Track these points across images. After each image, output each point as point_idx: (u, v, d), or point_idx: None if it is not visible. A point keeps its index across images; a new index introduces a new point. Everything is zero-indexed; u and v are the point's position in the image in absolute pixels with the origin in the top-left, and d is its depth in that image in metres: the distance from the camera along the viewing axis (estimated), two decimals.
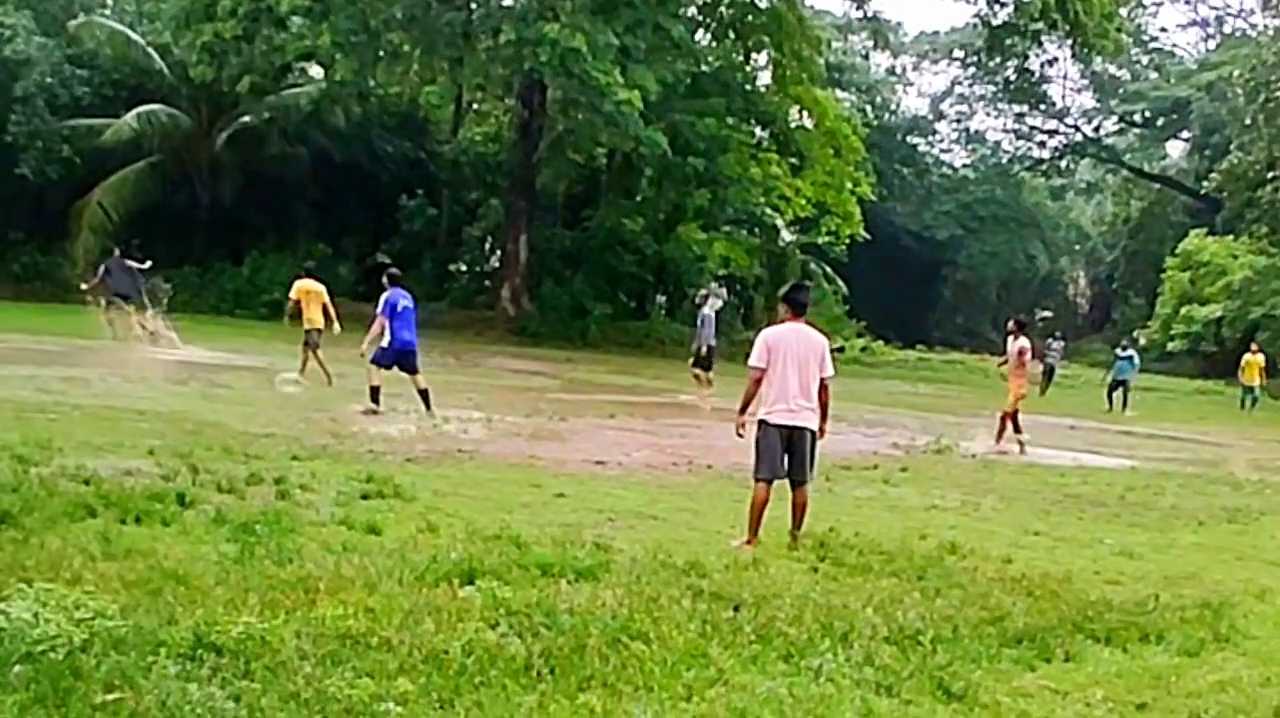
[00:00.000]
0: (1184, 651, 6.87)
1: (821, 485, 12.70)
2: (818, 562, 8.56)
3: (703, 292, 24.89)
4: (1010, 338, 18.79)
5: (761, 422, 8.99)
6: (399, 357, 16.44)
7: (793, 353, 8.96)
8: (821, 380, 9.09)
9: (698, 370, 23.31)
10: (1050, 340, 39.49)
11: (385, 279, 17.03)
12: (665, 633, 6.11)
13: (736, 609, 6.76)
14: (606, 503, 10.38)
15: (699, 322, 23.72)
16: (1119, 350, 31.62)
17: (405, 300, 16.58)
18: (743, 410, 9.28)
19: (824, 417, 9.16)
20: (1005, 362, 19.64)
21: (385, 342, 16.40)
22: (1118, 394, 30.51)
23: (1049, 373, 37.14)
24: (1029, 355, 18.80)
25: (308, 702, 4.82)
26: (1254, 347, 34.91)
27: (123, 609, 5.65)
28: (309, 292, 20.65)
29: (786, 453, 8.99)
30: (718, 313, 24.57)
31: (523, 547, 7.91)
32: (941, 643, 6.49)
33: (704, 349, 23.19)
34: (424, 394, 16.44)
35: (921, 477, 14.28)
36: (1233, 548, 10.68)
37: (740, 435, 9.34)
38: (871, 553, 8.89)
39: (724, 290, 50.38)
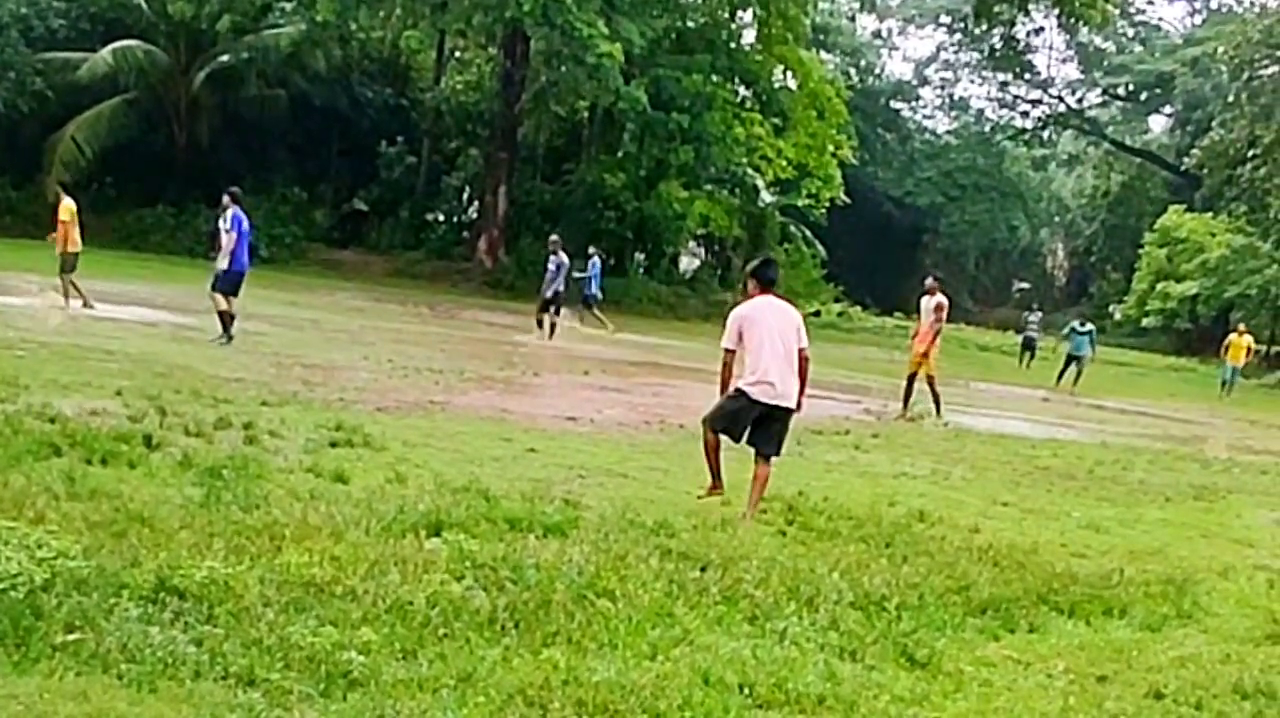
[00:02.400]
0: (1146, 625, 6.92)
1: (792, 449, 12.68)
2: (786, 525, 8.58)
3: (552, 239, 26.33)
4: (926, 296, 18.17)
5: (740, 391, 8.82)
6: (240, 280, 16.44)
7: (769, 327, 8.79)
8: (800, 352, 8.95)
9: (542, 315, 24.53)
10: (1028, 314, 39.12)
11: (228, 197, 16.77)
12: (631, 591, 6.11)
13: (703, 570, 6.76)
14: (577, 459, 10.35)
15: (549, 269, 24.59)
16: (1077, 324, 30.11)
17: (246, 222, 16.70)
18: (722, 392, 9.08)
19: (802, 389, 9.02)
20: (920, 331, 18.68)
21: (225, 264, 16.29)
22: (1071, 370, 29.08)
23: (1028, 346, 36.91)
24: (945, 314, 18.34)
25: (270, 648, 4.80)
26: (1240, 327, 33.52)
27: (86, 550, 5.60)
28: (74, 212, 19.62)
29: (757, 427, 8.82)
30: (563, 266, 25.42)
31: (491, 500, 7.88)
32: (907, 610, 6.52)
33: (550, 294, 24.39)
34: (226, 318, 16.30)
35: (893, 444, 14.32)
36: (1198, 525, 10.75)
37: None
38: (840, 518, 8.90)
39: (701, 250, 50.33)
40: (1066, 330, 30.27)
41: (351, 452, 9.40)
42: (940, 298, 18.16)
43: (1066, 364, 29.29)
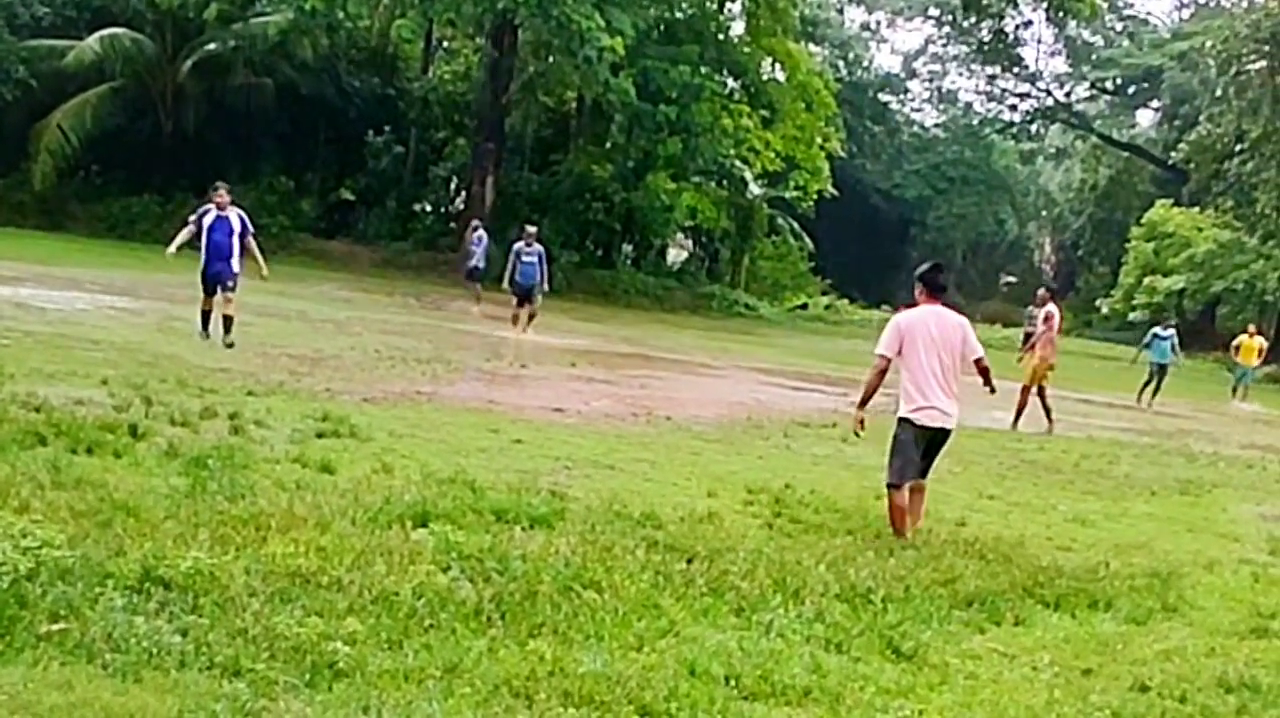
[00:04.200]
0: (1132, 619, 6.94)
1: (779, 442, 12.77)
2: (772, 518, 8.59)
3: (474, 222, 29.13)
4: (1034, 306, 17.60)
5: (906, 420, 8.25)
6: (216, 280, 15.55)
7: (932, 340, 8.19)
8: (977, 362, 8.52)
9: (471, 283, 27.29)
10: (1030, 308, 38.73)
11: (229, 193, 15.99)
12: (618, 583, 6.11)
13: (690, 562, 6.76)
14: (563, 451, 10.34)
15: (473, 244, 27.75)
16: (1159, 329, 26.48)
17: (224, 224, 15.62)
18: (862, 404, 8.61)
19: (987, 380, 8.62)
20: (1032, 344, 18.23)
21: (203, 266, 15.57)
22: (1152, 383, 25.56)
23: (1028, 340, 36.59)
24: (1055, 324, 17.87)
25: (255, 639, 4.79)
26: (1251, 328, 31.00)
27: (70, 539, 5.58)
28: None
29: (924, 451, 8.35)
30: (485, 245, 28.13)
31: (477, 491, 7.87)
32: (893, 603, 6.53)
33: (474, 266, 27.48)
34: (217, 318, 15.56)
35: (880, 437, 14.16)
36: (1184, 519, 10.79)
37: (858, 434, 8.59)
38: (826, 511, 8.93)
39: (689, 242, 50.31)
40: (1148, 337, 26.73)
41: (338, 442, 9.38)
42: (1051, 307, 17.87)
43: (1152, 376, 25.67)
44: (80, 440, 7.99)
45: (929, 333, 8.19)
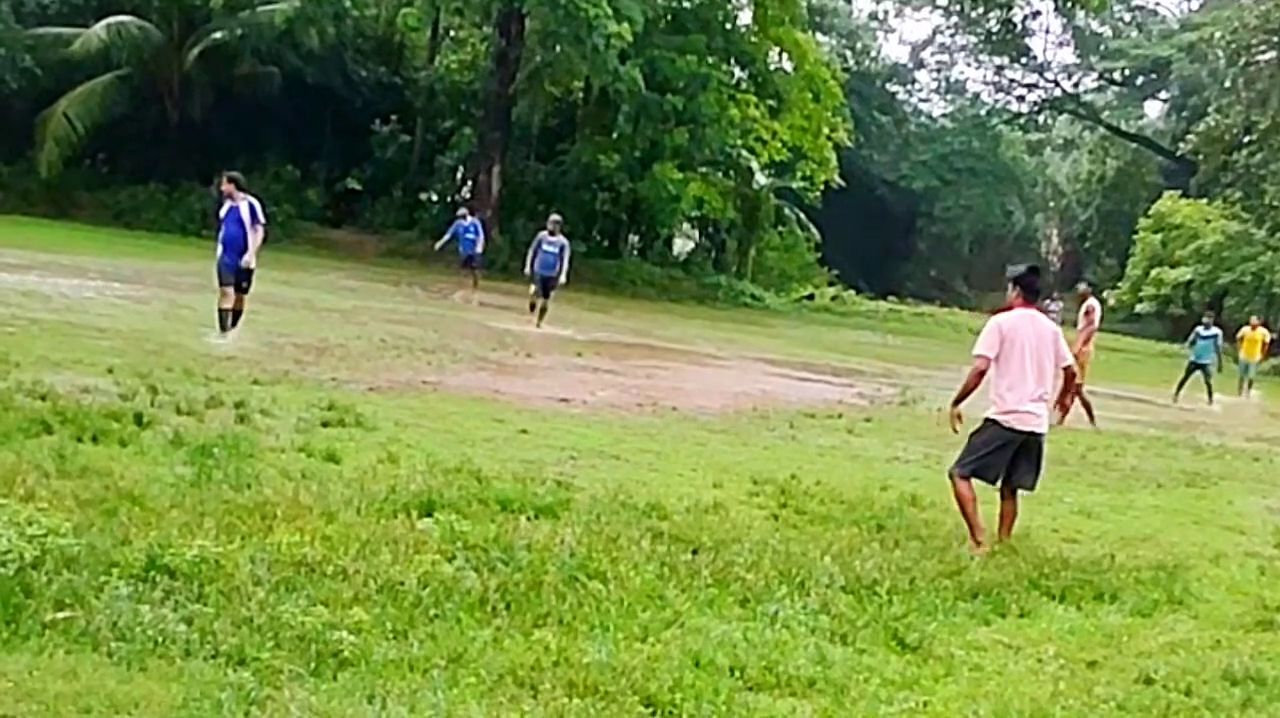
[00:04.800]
0: (1137, 611, 6.93)
1: (785, 433, 12.76)
2: (778, 509, 8.58)
3: (461, 210, 29.22)
4: (1077, 301, 17.25)
5: (994, 422, 8.08)
6: (240, 274, 14.97)
7: (1029, 344, 8.06)
8: (1066, 370, 8.37)
9: (472, 273, 27.29)
10: (1048, 302, 38.02)
11: (232, 183, 15.25)
12: (623, 573, 6.11)
13: (695, 553, 6.76)
14: (569, 441, 10.34)
15: (461, 232, 27.67)
16: (1200, 328, 25.79)
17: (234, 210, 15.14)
18: (958, 402, 8.30)
19: (1074, 399, 8.49)
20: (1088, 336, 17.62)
21: (248, 260, 14.95)
22: (1195, 379, 25.10)
23: None
24: (1095, 318, 17.45)
25: (261, 628, 4.80)
26: (1254, 320, 30.70)
27: (76, 528, 5.59)
28: None
29: (1014, 459, 8.10)
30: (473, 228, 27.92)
31: (483, 481, 7.88)
32: (898, 594, 6.52)
33: (470, 254, 27.40)
34: (232, 315, 14.92)
35: (885, 428, 14.33)
36: (1190, 511, 10.77)
37: (955, 431, 8.42)
38: (832, 502, 8.91)
39: (695, 232, 50.27)
40: (1192, 336, 26.22)
41: (343, 431, 9.39)
42: (1091, 302, 17.49)
43: (1188, 373, 25.31)
44: (86, 429, 8.00)
45: (1027, 337, 8.10)
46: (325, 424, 9.54)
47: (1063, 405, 16.17)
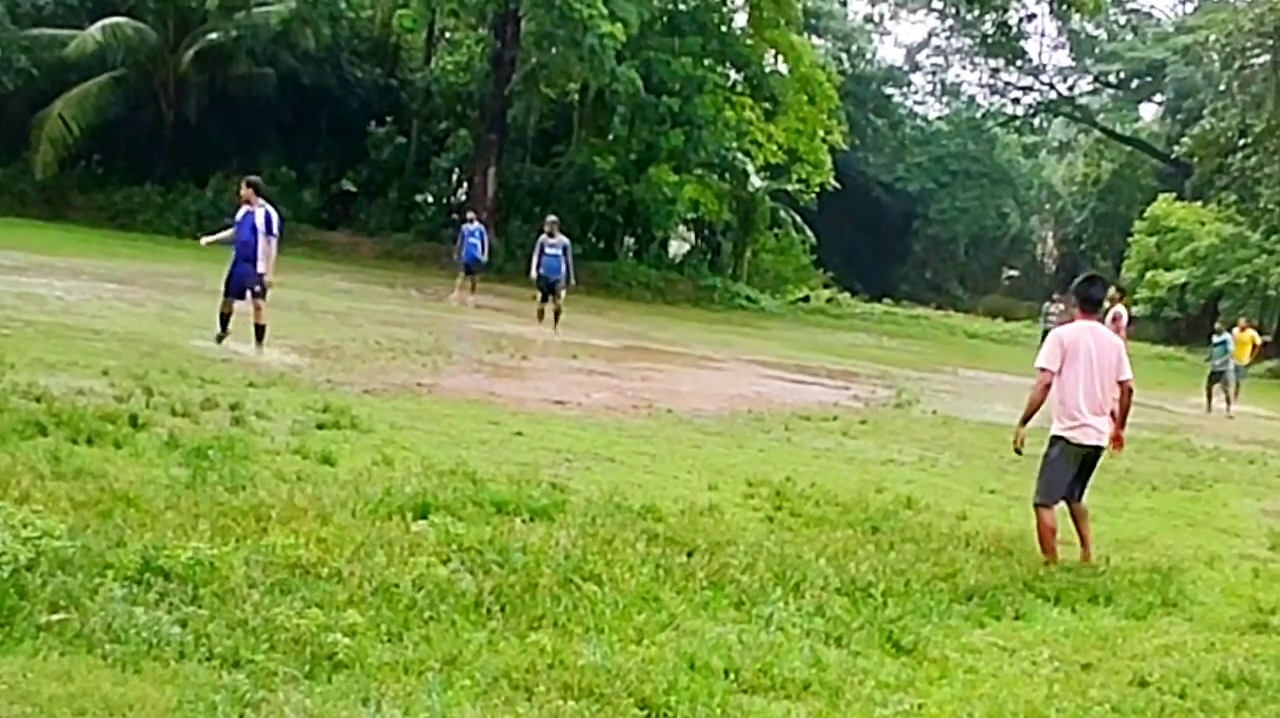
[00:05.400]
0: (1132, 613, 6.94)
1: (780, 435, 12.77)
2: (773, 511, 8.58)
3: (469, 214, 29.42)
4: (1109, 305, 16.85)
5: (1060, 438, 8.00)
6: (253, 281, 14.50)
7: (1091, 358, 7.96)
8: (1123, 383, 8.20)
9: (470, 277, 27.15)
10: (1048, 304, 37.41)
11: (250, 188, 14.75)
12: (618, 576, 6.11)
13: (690, 555, 6.76)
14: (564, 443, 10.35)
15: (465, 235, 27.61)
16: (1214, 335, 25.52)
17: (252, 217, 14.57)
18: (1025, 421, 8.21)
19: (1122, 423, 8.37)
20: None
21: (264, 270, 14.44)
22: (1217, 388, 24.73)
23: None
24: (1123, 325, 16.77)
25: (255, 630, 4.79)
26: (1242, 321, 29.58)
27: (71, 530, 5.58)
28: None
29: (1077, 471, 8.09)
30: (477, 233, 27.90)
31: (478, 483, 7.88)
32: (893, 597, 6.53)
33: (471, 259, 27.12)
34: (225, 319, 14.52)
35: (880, 430, 14.33)
36: (1185, 514, 10.79)
37: (1018, 451, 8.34)
38: (827, 504, 8.92)
39: (691, 234, 50.22)
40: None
41: (338, 434, 9.39)
42: (1118, 309, 17.02)
43: (1210, 382, 24.98)
44: (81, 431, 8.00)
45: (1089, 350, 8.00)
46: (320, 426, 9.54)
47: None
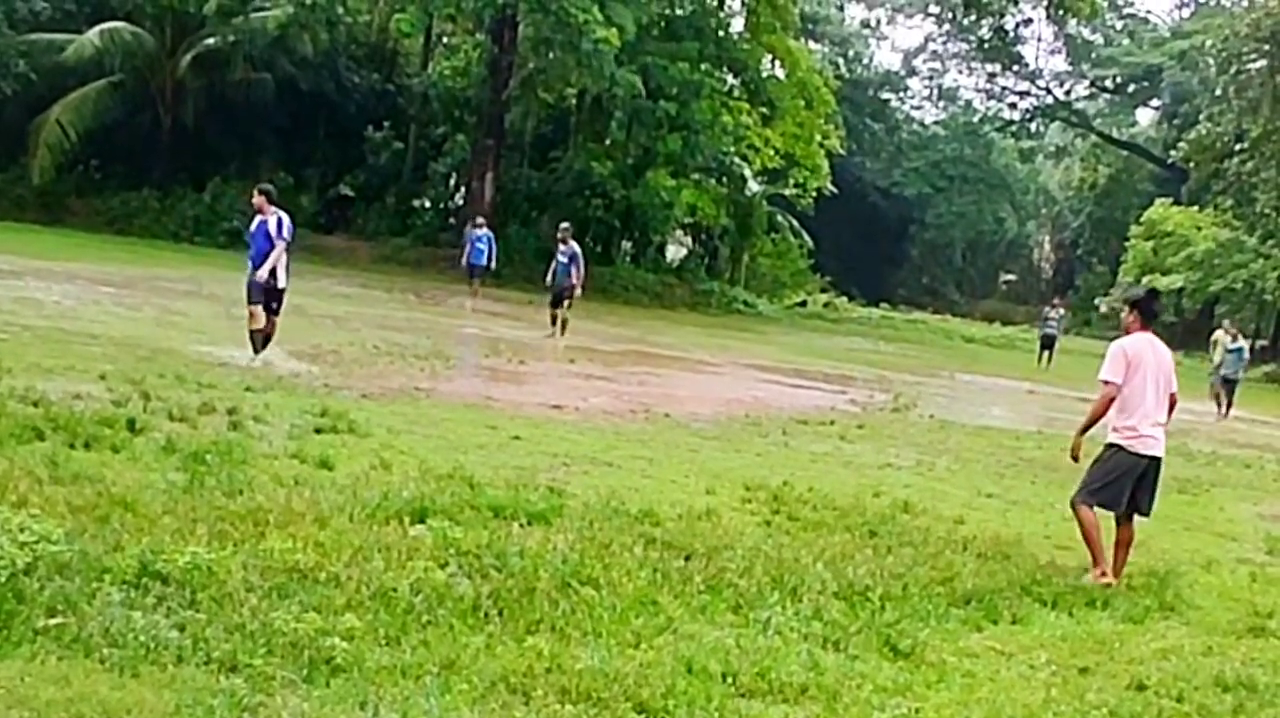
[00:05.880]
0: (1129, 617, 6.95)
1: (778, 440, 12.78)
2: (771, 515, 8.58)
3: (478, 219, 29.71)
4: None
5: (1118, 447, 7.96)
6: (271, 294, 13.91)
7: (1150, 370, 7.97)
8: (1172, 395, 8.18)
9: (475, 281, 27.80)
10: (1048, 309, 37.14)
11: (263, 196, 14.21)
12: (615, 580, 6.11)
13: (688, 559, 6.76)
14: (562, 447, 10.35)
15: (473, 240, 27.99)
16: (1229, 341, 25.40)
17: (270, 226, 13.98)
18: (1086, 429, 8.22)
19: (1169, 415, 8.24)
20: None
21: (263, 275, 13.76)
22: (1223, 393, 24.89)
23: (1048, 344, 34.79)
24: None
25: (253, 634, 4.79)
26: (1226, 325, 28.39)
27: (68, 534, 5.58)
28: None
29: (1136, 484, 7.96)
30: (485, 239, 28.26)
31: (475, 487, 7.88)
32: (890, 601, 6.53)
33: (474, 263, 27.63)
34: (266, 337, 13.99)
35: (878, 434, 14.34)
36: (1182, 518, 10.79)
37: (1075, 459, 8.26)
38: (825, 508, 8.92)
39: (688, 239, 50.28)
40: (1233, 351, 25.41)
41: (336, 438, 9.39)
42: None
43: (1226, 389, 25.01)
44: (78, 435, 7.99)
45: (1149, 361, 8.00)
46: (318, 430, 9.54)
47: None
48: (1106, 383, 7.95)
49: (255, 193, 14.49)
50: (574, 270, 22.55)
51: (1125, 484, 7.90)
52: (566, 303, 22.45)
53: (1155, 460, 7.98)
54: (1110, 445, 7.99)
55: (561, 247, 22.90)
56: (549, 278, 23.06)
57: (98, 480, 6.83)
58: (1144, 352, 8.00)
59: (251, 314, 13.89)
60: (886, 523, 8.64)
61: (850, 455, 12.34)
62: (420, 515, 6.90)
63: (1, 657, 4.37)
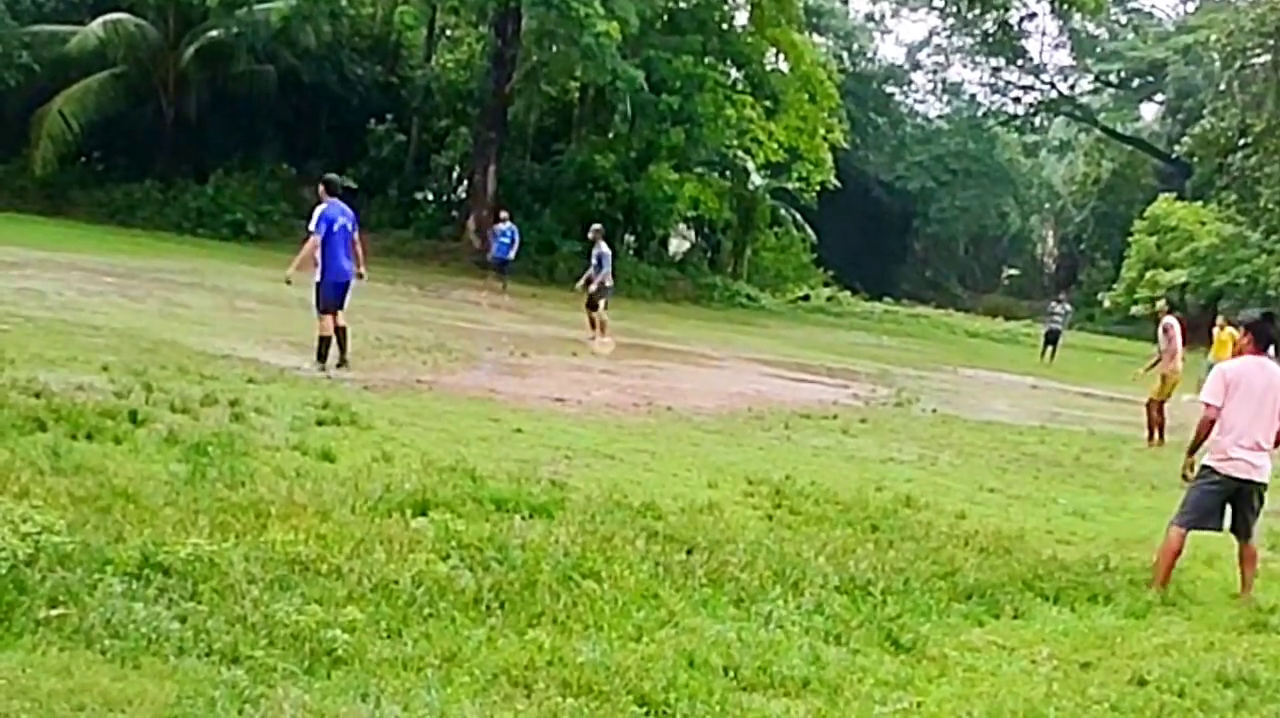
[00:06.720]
0: (1131, 612, 6.95)
1: (780, 433, 12.77)
2: (773, 509, 8.58)
3: (501, 214, 30.03)
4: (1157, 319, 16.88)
5: (1209, 468, 7.83)
6: (337, 291, 13.24)
7: (1255, 393, 7.76)
8: None
9: (500, 279, 28.55)
10: (1053, 304, 37.03)
11: (322, 187, 13.74)
12: (617, 573, 6.11)
13: (690, 552, 6.76)
14: (564, 440, 10.34)
15: (496, 235, 28.91)
16: (1217, 330, 25.37)
17: (344, 218, 13.36)
18: (1193, 450, 8.06)
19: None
20: (1156, 359, 17.05)
21: (319, 274, 13.16)
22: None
23: (1052, 339, 34.71)
24: (1174, 337, 16.70)
25: (254, 626, 4.80)
26: (1221, 320, 28.04)
27: (70, 525, 5.58)
28: None
29: (1230, 506, 7.83)
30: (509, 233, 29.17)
31: (477, 480, 7.88)
32: (892, 595, 6.53)
33: (499, 258, 28.57)
34: (341, 334, 13.39)
35: (880, 429, 14.33)
36: None
37: (1186, 478, 8.10)
38: (827, 503, 8.91)
39: (691, 232, 50.28)
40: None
41: (338, 430, 9.38)
42: (1169, 319, 16.92)
43: None
44: (80, 426, 7.99)
45: (1254, 384, 7.80)
46: (320, 423, 9.54)
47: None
48: (1206, 405, 7.89)
49: (321, 185, 13.83)
50: (599, 270, 22.18)
51: (1218, 509, 7.81)
52: (602, 303, 22.21)
53: (1252, 484, 7.79)
54: (1204, 467, 7.89)
55: (592, 248, 22.66)
56: (581, 284, 22.83)
57: (100, 472, 6.83)
58: (1250, 374, 7.85)
59: (321, 323, 13.24)
60: (888, 517, 8.63)
61: (852, 450, 12.33)
62: (422, 508, 6.90)
63: (3, 648, 4.37)
